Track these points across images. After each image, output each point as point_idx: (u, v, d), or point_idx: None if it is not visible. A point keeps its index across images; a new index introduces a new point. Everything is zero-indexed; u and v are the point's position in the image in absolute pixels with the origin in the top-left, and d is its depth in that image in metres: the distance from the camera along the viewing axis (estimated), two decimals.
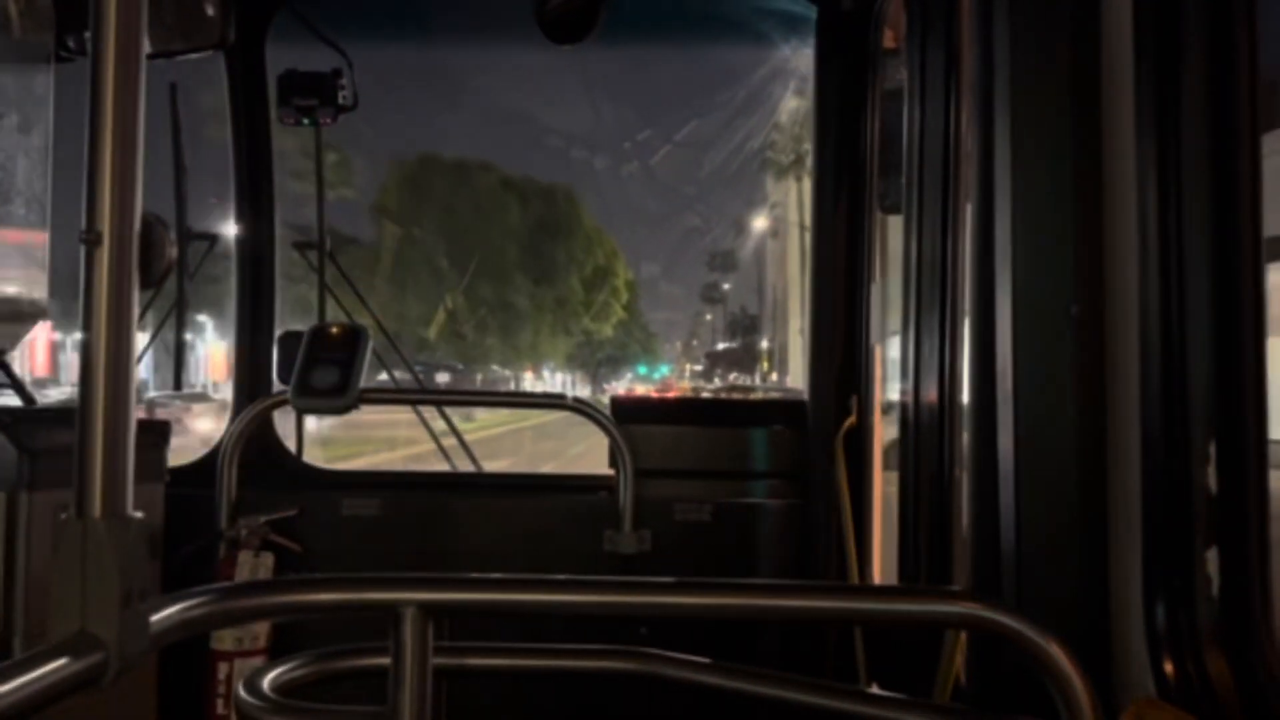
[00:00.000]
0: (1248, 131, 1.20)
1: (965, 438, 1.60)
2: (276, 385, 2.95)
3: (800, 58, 3.16)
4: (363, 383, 2.69)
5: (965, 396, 1.61)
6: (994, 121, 1.43)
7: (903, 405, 2.13)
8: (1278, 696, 1.13)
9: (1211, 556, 1.20)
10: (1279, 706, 1.13)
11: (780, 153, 28.03)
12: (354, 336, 2.75)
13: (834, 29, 2.86)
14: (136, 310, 0.99)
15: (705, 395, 27.73)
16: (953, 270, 1.80)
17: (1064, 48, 1.37)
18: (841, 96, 2.85)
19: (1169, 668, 1.21)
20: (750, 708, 1.52)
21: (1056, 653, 1.15)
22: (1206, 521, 1.21)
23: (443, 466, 3.53)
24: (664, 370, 49.74)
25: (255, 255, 3.12)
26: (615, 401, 3.05)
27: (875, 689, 2.22)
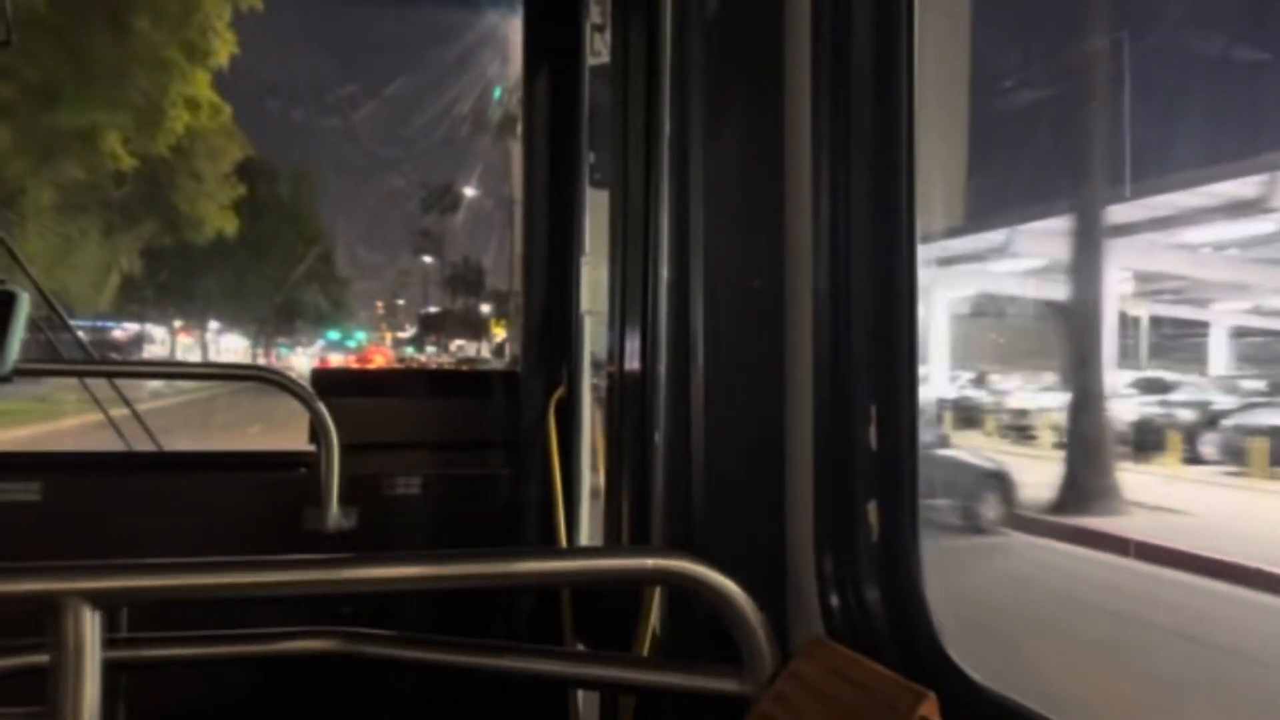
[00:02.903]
0: (906, 131, 1.34)
1: (662, 404, 1.68)
2: None
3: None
4: (18, 352, 2.39)
5: (663, 366, 1.69)
6: (689, 105, 1.50)
7: (609, 374, 2.20)
8: (923, 631, 1.30)
9: (872, 507, 1.34)
10: (923, 641, 1.29)
11: None
12: (6, 300, 2.44)
13: None
14: None
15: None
16: (654, 246, 1.87)
17: (752, 41, 1.46)
18: (551, 67, 2.87)
19: (836, 610, 1.35)
20: (460, 678, 1.52)
21: (739, 599, 1.24)
22: (868, 477, 1.35)
23: (115, 444, 3.22)
24: (360, 337, 42.06)
25: None
26: (316, 373, 2.92)
27: (580, 648, 2.30)
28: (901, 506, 1.34)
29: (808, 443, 1.38)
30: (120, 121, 16.32)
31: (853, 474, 1.34)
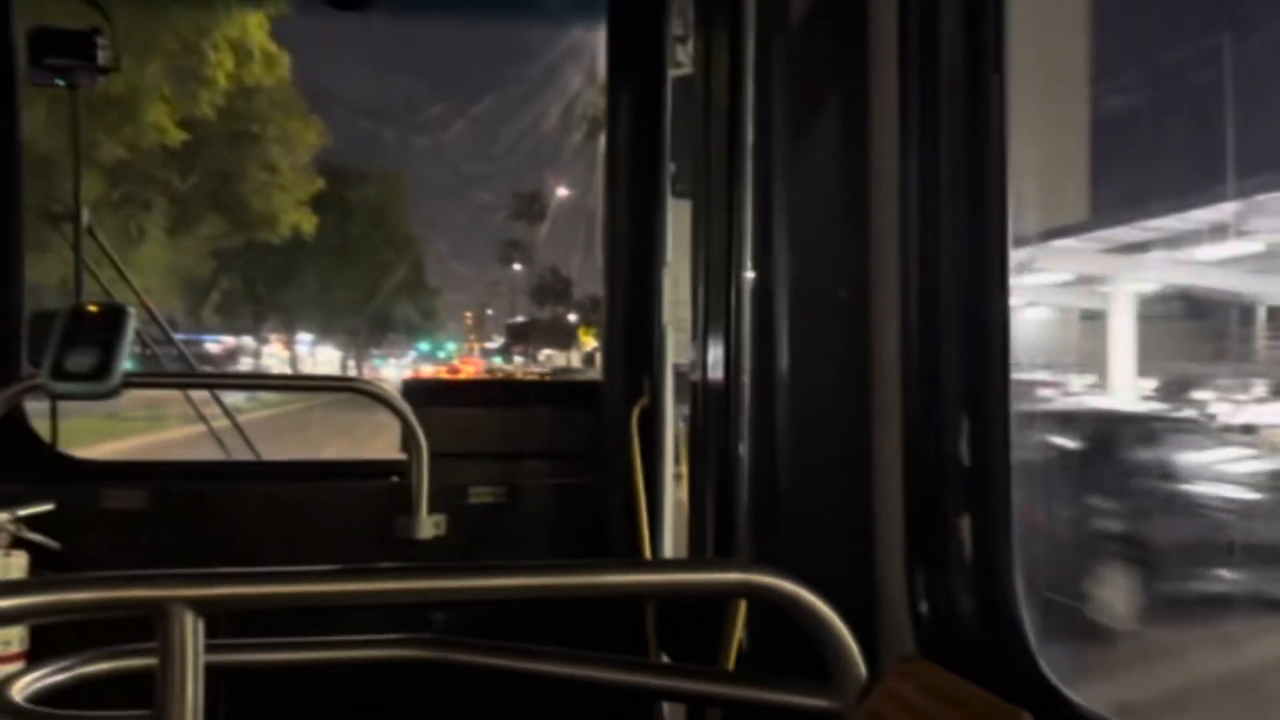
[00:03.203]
0: (998, 133, 1.30)
1: (747, 415, 1.67)
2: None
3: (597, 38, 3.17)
4: (126, 366, 2.50)
5: (747, 376, 1.68)
6: (772, 113, 1.49)
7: (692, 385, 2.20)
8: (1019, 650, 1.26)
9: (965, 523, 1.31)
10: (1020, 659, 1.25)
11: None
12: (115, 315, 2.55)
13: (626, 11, 2.90)
14: None
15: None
16: (737, 256, 1.86)
17: (835, 46, 1.44)
18: (634, 80, 2.90)
19: (928, 627, 1.32)
20: (546, 687, 1.53)
21: (827, 615, 1.22)
22: (960, 490, 1.31)
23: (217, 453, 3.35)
24: (450, 348, 42.19)
25: (3, 226, 2.84)
26: (408, 384, 3.00)
27: (665, 660, 2.29)
28: (995, 521, 1.31)
29: (896, 455, 1.35)
30: (155, 75, 13.61)
31: (944, 487, 1.31)
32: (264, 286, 23.87)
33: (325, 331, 30.86)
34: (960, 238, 1.31)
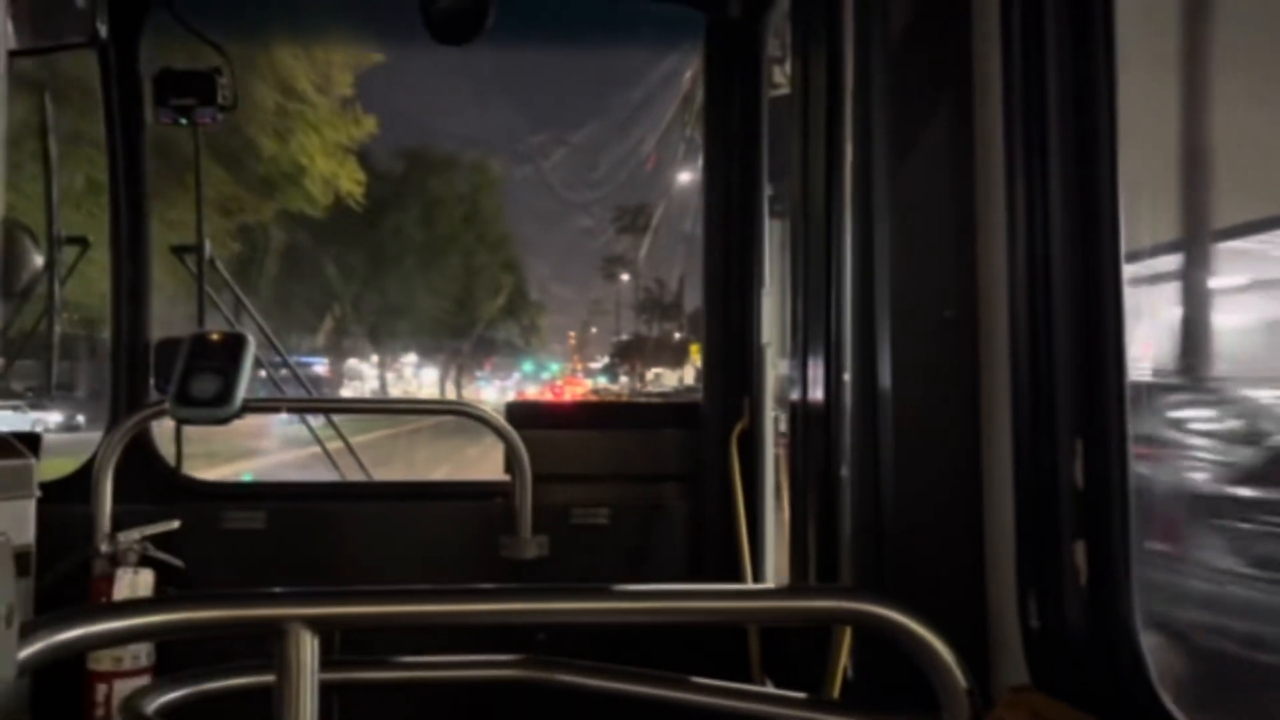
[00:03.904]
0: (1108, 145, 1.26)
1: (849, 438, 1.64)
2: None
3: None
4: (245, 391, 2.61)
5: (849, 398, 1.66)
6: (873, 131, 1.47)
7: (791, 407, 2.18)
8: (1138, 680, 1.20)
9: (1079, 548, 1.26)
10: (1138, 690, 1.20)
11: None
12: (236, 343, 2.67)
13: (723, 35, 2.92)
14: None
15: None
16: (837, 276, 1.84)
17: (938, 62, 1.42)
18: (732, 102, 2.91)
19: (1041, 656, 1.27)
20: (648, 710, 1.53)
21: (936, 644, 1.19)
22: (1074, 515, 1.27)
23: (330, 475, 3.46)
24: (553, 368, 40.91)
25: (132, 259, 3.00)
26: (511, 406, 3.06)
27: (769, 687, 2.27)
28: (1113, 545, 1.25)
29: (1007, 478, 1.31)
30: None
31: (1057, 512, 1.27)
32: (342, 303, 21.14)
33: (426, 353, 29.69)
34: (1072, 255, 1.27)
